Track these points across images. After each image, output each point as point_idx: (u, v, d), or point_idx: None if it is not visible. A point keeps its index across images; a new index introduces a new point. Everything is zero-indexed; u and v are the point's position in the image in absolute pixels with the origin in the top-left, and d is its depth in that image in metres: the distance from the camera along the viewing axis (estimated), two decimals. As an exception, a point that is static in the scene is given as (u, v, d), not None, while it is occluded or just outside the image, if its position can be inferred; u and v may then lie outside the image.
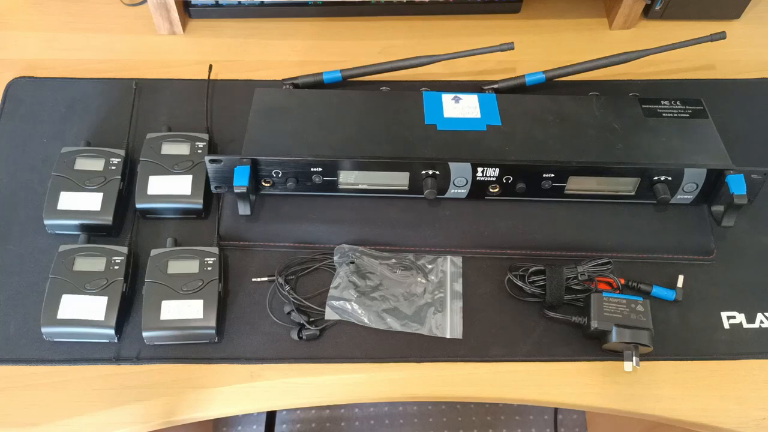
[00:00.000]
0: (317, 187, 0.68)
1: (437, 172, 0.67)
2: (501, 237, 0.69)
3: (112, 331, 0.62)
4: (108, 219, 0.67)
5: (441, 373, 0.63)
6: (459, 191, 0.69)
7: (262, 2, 0.85)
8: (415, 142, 0.68)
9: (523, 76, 0.78)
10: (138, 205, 0.68)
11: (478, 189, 0.69)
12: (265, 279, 0.67)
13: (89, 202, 0.67)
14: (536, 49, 0.84)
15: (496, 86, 0.78)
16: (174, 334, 0.62)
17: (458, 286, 0.67)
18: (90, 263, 0.64)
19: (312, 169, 0.67)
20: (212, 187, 0.68)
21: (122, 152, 0.70)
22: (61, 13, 0.86)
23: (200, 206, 0.68)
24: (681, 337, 0.65)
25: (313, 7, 0.85)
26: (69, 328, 0.61)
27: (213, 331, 0.62)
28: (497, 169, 0.67)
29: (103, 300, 0.62)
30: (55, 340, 0.63)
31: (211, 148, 0.72)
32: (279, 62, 0.82)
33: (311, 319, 0.65)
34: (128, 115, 0.76)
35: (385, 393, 0.63)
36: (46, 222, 0.67)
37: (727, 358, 0.65)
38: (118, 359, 0.63)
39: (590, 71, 0.79)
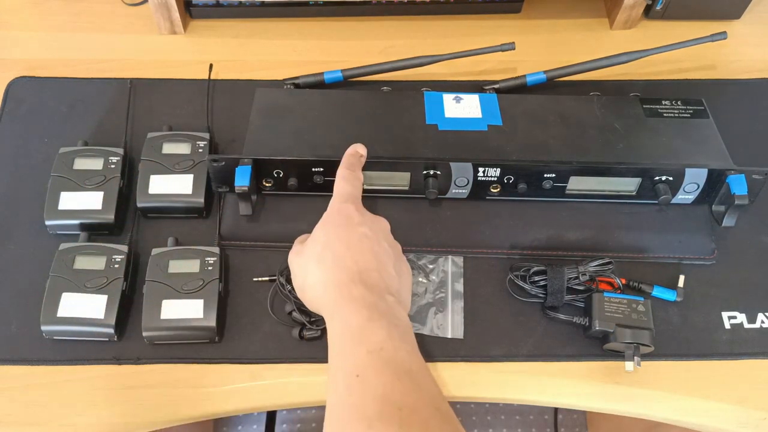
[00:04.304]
0: (318, 187, 0.68)
1: (438, 172, 0.67)
2: (502, 237, 0.69)
3: (111, 330, 0.62)
4: (110, 217, 0.67)
5: (442, 373, 0.63)
6: (460, 191, 0.69)
7: (263, 2, 0.85)
8: (416, 142, 0.68)
9: (524, 76, 0.78)
10: (139, 204, 0.68)
11: (480, 189, 0.69)
12: (266, 279, 0.67)
13: (90, 201, 0.67)
14: (537, 49, 0.84)
15: (497, 86, 0.78)
16: (174, 333, 0.62)
17: (459, 286, 0.67)
18: (90, 261, 0.64)
19: (313, 169, 0.67)
20: (213, 187, 0.68)
21: (121, 150, 0.70)
22: (62, 13, 0.86)
23: (201, 205, 0.68)
24: (682, 337, 0.65)
25: (314, 7, 0.85)
26: (68, 326, 0.61)
27: (213, 331, 0.62)
28: (498, 169, 0.67)
29: (102, 298, 0.62)
30: (55, 338, 0.63)
31: (212, 148, 0.72)
32: (280, 62, 0.82)
33: (312, 319, 0.64)
34: (128, 114, 0.76)
35: (386, 393, 0.63)
36: (47, 223, 0.67)
37: (728, 358, 0.65)
38: (118, 359, 0.63)
39: (591, 71, 0.79)
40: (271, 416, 1.24)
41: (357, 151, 0.62)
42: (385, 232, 0.58)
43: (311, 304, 0.57)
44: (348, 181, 0.60)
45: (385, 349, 0.49)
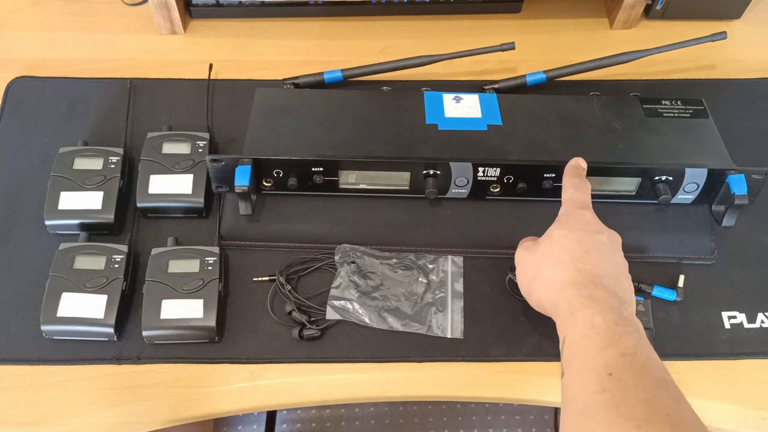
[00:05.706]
0: (318, 186, 0.68)
1: (438, 172, 0.67)
2: (502, 237, 0.69)
3: (111, 330, 0.62)
4: (110, 217, 0.67)
5: (441, 373, 0.63)
6: (460, 191, 0.69)
7: (263, 2, 0.85)
8: (416, 141, 0.68)
9: (524, 75, 0.78)
10: (139, 204, 0.68)
11: (479, 189, 0.69)
12: (266, 278, 0.67)
13: (90, 200, 0.67)
14: (537, 48, 0.84)
15: (497, 86, 0.78)
16: (174, 333, 0.62)
17: (459, 286, 0.67)
18: (90, 261, 0.64)
19: (313, 169, 0.67)
20: (213, 187, 0.68)
21: (120, 150, 0.70)
22: (62, 12, 0.86)
23: (201, 205, 0.68)
24: (682, 337, 0.65)
25: (314, 6, 0.86)
26: (68, 326, 0.61)
27: (213, 331, 0.62)
28: (498, 169, 0.67)
29: (102, 298, 0.62)
30: (55, 338, 0.63)
31: (212, 148, 0.72)
32: (280, 62, 0.82)
33: (312, 319, 0.65)
34: (128, 114, 0.76)
35: (386, 393, 0.63)
36: (47, 222, 0.67)
37: (728, 358, 0.65)
38: (118, 359, 0.63)
39: (591, 71, 0.79)
40: (271, 416, 1.24)
41: (579, 164, 0.63)
42: (619, 245, 0.59)
43: (539, 301, 0.57)
44: (579, 189, 0.60)
45: (638, 354, 0.48)
